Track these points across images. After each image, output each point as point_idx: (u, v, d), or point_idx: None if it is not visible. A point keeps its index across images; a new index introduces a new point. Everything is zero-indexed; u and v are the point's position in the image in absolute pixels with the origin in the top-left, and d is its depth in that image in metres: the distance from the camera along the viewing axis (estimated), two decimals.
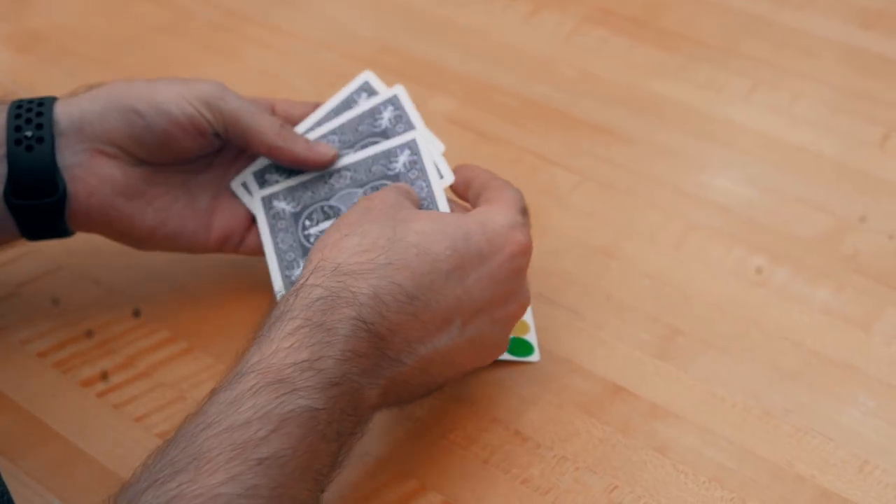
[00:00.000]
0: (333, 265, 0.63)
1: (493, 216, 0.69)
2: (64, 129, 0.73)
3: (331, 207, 0.77)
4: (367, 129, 0.78)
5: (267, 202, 0.78)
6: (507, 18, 1.12)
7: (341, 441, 0.60)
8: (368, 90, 0.80)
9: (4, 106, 0.75)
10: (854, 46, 1.07)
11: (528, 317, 0.79)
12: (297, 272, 0.76)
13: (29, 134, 0.72)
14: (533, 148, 0.95)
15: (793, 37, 1.09)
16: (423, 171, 0.76)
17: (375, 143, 0.78)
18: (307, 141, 0.77)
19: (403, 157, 0.76)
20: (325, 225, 0.76)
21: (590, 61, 1.06)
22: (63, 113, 0.73)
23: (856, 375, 0.75)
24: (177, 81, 0.76)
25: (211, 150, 0.77)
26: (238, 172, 0.80)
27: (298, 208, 0.77)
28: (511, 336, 0.77)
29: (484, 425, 0.72)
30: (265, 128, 0.76)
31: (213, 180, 0.79)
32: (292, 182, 0.78)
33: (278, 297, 0.74)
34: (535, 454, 0.70)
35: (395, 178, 0.76)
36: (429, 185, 0.75)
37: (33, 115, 0.73)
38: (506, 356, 0.76)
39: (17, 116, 0.73)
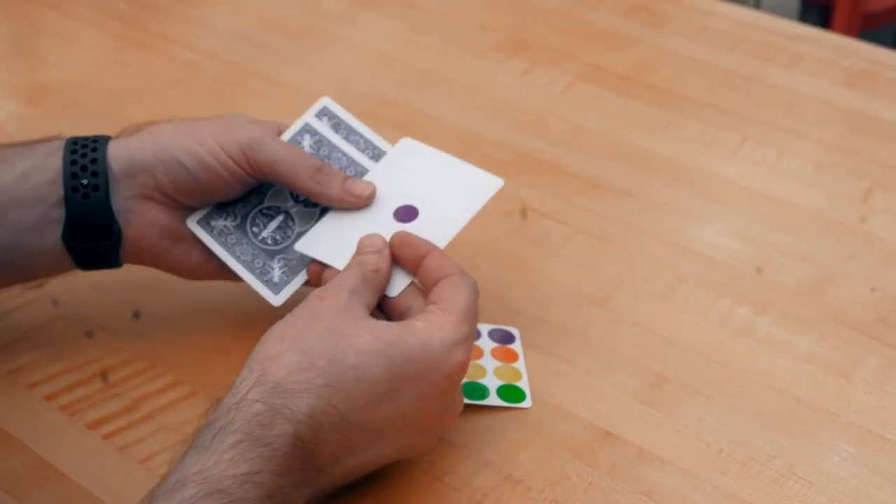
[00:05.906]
0: (273, 382, 0.64)
1: (436, 334, 0.68)
2: (117, 175, 0.76)
3: (269, 208, 0.80)
4: None
5: (205, 224, 0.79)
6: (504, 75, 1.15)
7: None
8: (329, 115, 0.83)
9: (60, 143, 0.77)
10: (839, 104, 1.10)
11: (520, 364, 0.81)
12: (275, 274, 0.78)
13: (85, 182, 0.76)
14: (526, 200, 0.97)
15: (780, 94, 1.12)
16: (332, 146, 0.80)
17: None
18: (344, 180, 0.78)
19: (307, 142, 0.80)
20: (274, 224, 0.79)
21: (582, 116, 1.08)
22: (115, 159, 0.77)
23: (837, 422, 0.77)
24: (218, 126, 0.78)
25: (254, 186, 0.79)
26: None
27: (238, 220, 0.79)
28: (504, 383, 0.79)
29: (477, 468, 0.74)
30: (301, 174, 0.78)
31: None
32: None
33: (278, 302, 0.77)
34: (527, 497, 0.72)
35: None
36: (346, 155, 0.80)
37: (88, 161, 0.76)
38: (499, 402, 0.78)
39: (73, 163, 0.76)
